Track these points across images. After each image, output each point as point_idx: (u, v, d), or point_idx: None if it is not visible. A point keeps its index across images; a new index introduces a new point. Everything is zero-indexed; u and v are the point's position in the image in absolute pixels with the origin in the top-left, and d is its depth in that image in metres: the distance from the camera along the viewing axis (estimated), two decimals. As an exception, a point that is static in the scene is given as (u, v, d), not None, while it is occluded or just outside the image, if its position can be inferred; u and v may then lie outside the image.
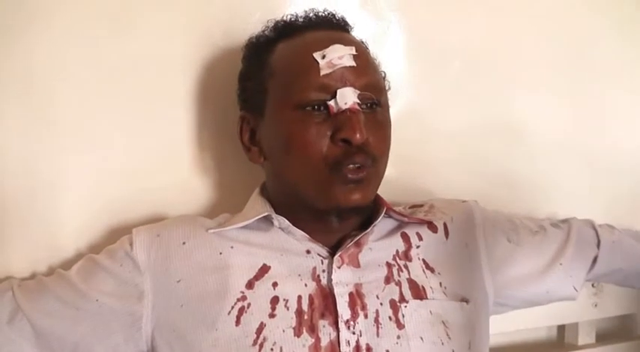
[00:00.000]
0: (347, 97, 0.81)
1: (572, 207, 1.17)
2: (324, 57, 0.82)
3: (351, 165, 0.81)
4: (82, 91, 0.95)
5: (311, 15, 0.91)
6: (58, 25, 0.92)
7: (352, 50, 0.83)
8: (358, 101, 0.82)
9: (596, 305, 1.21)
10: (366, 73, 0.84)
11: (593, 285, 1.20)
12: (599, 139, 1.22)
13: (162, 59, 0.98)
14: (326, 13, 0.92)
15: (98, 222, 0.96)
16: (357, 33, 0.93)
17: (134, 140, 0.98)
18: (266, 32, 0.92)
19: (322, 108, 0.82)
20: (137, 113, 0.98)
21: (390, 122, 0.88)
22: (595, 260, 1.04)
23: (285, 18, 0.92)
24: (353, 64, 0.83)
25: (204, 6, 1.00)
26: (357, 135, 0.79)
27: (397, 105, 0.99)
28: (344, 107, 0.81)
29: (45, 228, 0.93)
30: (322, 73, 0.82)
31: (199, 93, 1.01)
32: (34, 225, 0.93)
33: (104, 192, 0.96)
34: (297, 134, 0.82)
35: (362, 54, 0.85)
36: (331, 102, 0.81)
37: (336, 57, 0.82)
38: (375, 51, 0.93)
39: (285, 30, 0.90)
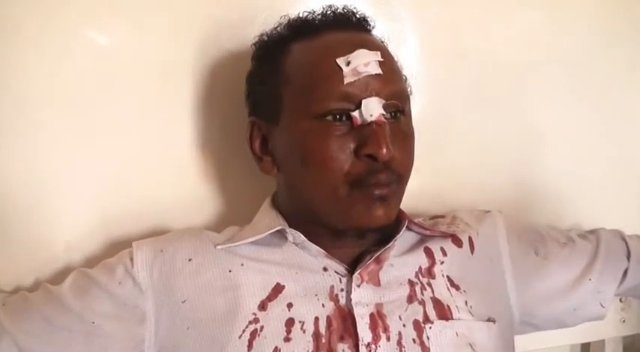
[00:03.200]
0: (373, 109, 0.75)
1: (598, 216, 1.11)
2: (348, 63, 0.76)
3: (375, 183, 0.75)
4: (81, 97, 0.90)
5: (329, 13, 0.84)
6: (57, 27, 0.88)
7: (378, 56, 0.77)
8: (384, 112, 0.76)
9: (624, 321, 1.16)
10: (393, 81, 0.78)
11: (620, 300, 1.14)
12: (625, 145, 1.17)
13: (166, 63, 0.93)
14: (345, 10, 0.85)
15: (95, 233, 0.91)
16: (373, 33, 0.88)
17: (135, 146, 0.93)
18: (279, 30, 0.85)
19: (345, 119, 0.76)
20: (139, 117, 0.93)
21: (413, 132, 0.82)
22: (625, 273, 0.98)
23: (300, 15, 0.85)
24: (379, 71, 0.76)
25: (208, 6, 0.95)
26: (384, 151, 0.73)
27: (412, 109, 0.92)
28: (369, 119, 0.75)
29: (40, 239, 0.88)
30: (346, 80, 0.75)
31: (205, 98, 0.95)
32: (28, 235, 0.88)
33: (102, 202, 0.91)
34: (317, 147, 0.76)
35: (387, 59, 0.79)
36: (355, 114, 0.75)
37: (362, 64, 0.76)
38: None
39: (301, 29, 0.83)
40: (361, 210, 0.75)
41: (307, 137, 0.76)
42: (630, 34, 1.18)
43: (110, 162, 0.91)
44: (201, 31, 0.94)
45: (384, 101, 0.76)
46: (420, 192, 1.00)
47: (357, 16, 0.85)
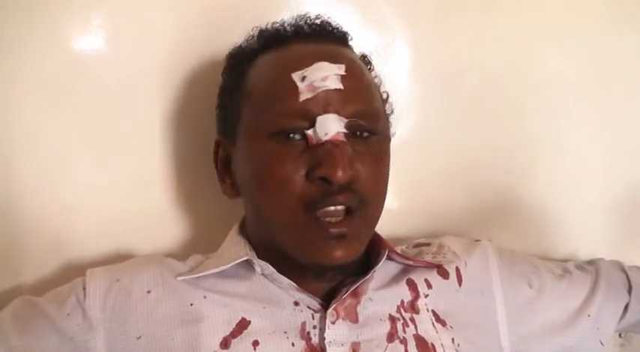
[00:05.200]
0: (328, 127, 0.69)
1: (596, 245, 1.05)
2: (304, 78, 0.70)
3: (332, 208, 0.68)
4: (39, 111, 0.85)
5: (301, 23, 0.79)
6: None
7: (340, 69, 0.71)
8: (344, 131, 0.69)
9: (623, 359, 1.09)
10: (358, 98, 0.72)
11: (620, 335, 1.07)
12: (625, 170, 1.10)
13: (133, 77, 0.88)
14: (319, 21, 0.79)
15: (49, 256, 0.85)
16: (358, 45, 0.82)
17: (97, 162, 0.88)
18: (250, 42, 0.80)
19: (301, 138, 0.70)
20: (102, 132, 0.88)
21: (389, 155, 0.76)
22: (626, 308, 0.92)
23: (270, 25, 0.80)
24: (339, 86, 0.70)
25: (182, 15, 0.90)
26: (339, 173, 0.67)
27: (400, 129, 0.88)
28: (324, 138, 0.68)
29: None
30: (302, 97, 0.70)
31: (175, 112, 0.90)
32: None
33: (56, 221, 0.85)
34: (269, 168, 0.70)
35: (354, 73, 0.73)
36: (310, 132, 0.69)
37: (319, 78, 0.70)
38: (377, 67, 0.83)
39: (269, 40, 0.78)
40: (317, 246, 0.69)
41: (260, 158, 0.71)
42: (630, 54, 1.12)
43: (68, 179, 0.86)
44: (171, 41, 0.89)
45: (345, 119, 0.70)
46: (404, 215, 0.99)
47: (331, 26, 0.80)
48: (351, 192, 0.69)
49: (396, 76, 0.97)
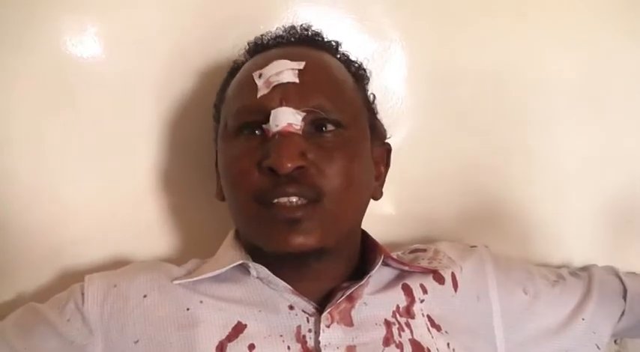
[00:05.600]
0: (279, 119, 0.70)
1: (591, 252, 1.05)
2: (260, 76, 0.73)
3: (283, 199, 0.69)
4: (36, 118, 0.85)
5: (283, 33, 0.81)
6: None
7: (300, 65, 0.73)
8: (297, 123, 0.70)
9: (619, 364, 1.08)
10: (317, 91, 0.73)
11: (615, 342, 1.06)
12: (623, 175, 1.09)
13: (128, 83, 0.89)
14: (298, 28, 0.82)
15: (47, 264, 0.85)
16: (354, 52, 0.84)
17: (93, 169, 0.88)
18: (243, 55, 0.84)
19: (259, 133, 0.72)
20: (99, 138, 0.88)
21: (361, 149, 0.76)
22: (622, 313, 0.92)
23: (256, 37, 0.83)
24: (294, 80, 0.72)
25: (180, 17, 0.90)
26: (283, 161, 0.67)
27: (396, 135, 0.88)
28: (274, 129, 0.70)
29: None
30: (259, 93, 0.72)
31: (172, 118, 0.91)
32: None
33: (54, 228, 0.86)
34: (230, 164, 0.74)
35: (316, 69, 0.74)
36: (266, 125, 0.71)
37: (274, 73, 0.72)
38: (373, 72, 0.85)
39: (251, 50, 0.82)
40: (273, 233, 0.70)
41: (225, 155, 0.75)
42: (631, 60, 1.11)
43: (64, 186, 0.86)
44: (166, 48, 0.90)
45: (299, 111, 0.71)
46: (400, 221, 0.98)
47: (310, 31, 0.82)
48: (298, 184, 0.69)
49: (392, 82, 0.98)
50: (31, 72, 0.84)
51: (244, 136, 0.72)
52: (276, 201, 0.69)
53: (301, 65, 0.72)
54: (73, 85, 0.86)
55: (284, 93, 0.71)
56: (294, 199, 0.69)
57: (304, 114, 0.71)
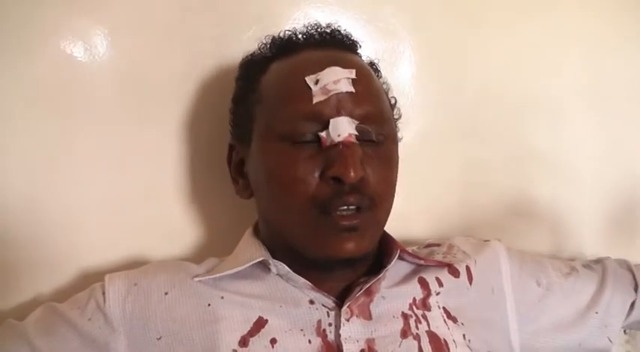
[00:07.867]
0: (340, 128, 0.71)
1: (602, 245, 1.07)
2: (317, 82, 0.72)
3: (344, 207, 0.70)
4: (56, 119, 0.85)
5: (312, 31, 0.81)
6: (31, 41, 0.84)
7: (352, 73, 0.73)
8: (355, 133, 0.71)
9: (628, 355, 1.09)
10: (368, 101, 0.74)
11: (625, 332, 1.07)
12: (630, 170, 1.11)
13: (147, 84, 0.89)
14: (329, 29, 0.82)
15: (65, 264, 0.85)
16: (365, 52, 0.85)
17: (112, 172, 0.88)
18: (262, 50, 0.83)
19: (313, 140, 0.72)
20: (117, 141, 0.88)
21: (396, 158, 0.78)
22: (632, 305, 0.93)
23: (282, 34, 0.82)
24: (351, 89, 0.73)
25: (193, 23, 0.91)
26: (351, 173, 0.69)
27: (405, 135, 0.89)
28: (337, 139, 0.71)
29: (5, 268, 0.83)
30: (315, 99, 0.72)
31: (189, 120, 0.91)
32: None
33: (73, 230, 0.86)
34: (282, 169, 0.72)
35: (364, 78, 0.75)
36: (323, 134, 0.71)
37: (331, 81, 0.72)
38: (384, 73, 0.85)
39: (281, 47, 0.81)
40: (330, 240, 0.71)
41: (273, 159, 0.73)
42: (632, 64, 1.14)
43: (86, 187, 0.86)
44: (183, 49, 0.90)
45: (356, 122, 0.72)
46: (411, 219, 0.99)
47: (341, 34, 0.82)
48: (360, 193, 0.71)
49: (402, 82, 0.99)
50: (48, 74, 0.85)
51: (296, 142, 0.72)
52: (336, 211, 0.70)
53: (353, 73, 0.73)
54: (91, 87, 0.86)
55: (341, 102, 0.72)
56: (351, 208, 0.70)
57: (357, 122, 0.72)
